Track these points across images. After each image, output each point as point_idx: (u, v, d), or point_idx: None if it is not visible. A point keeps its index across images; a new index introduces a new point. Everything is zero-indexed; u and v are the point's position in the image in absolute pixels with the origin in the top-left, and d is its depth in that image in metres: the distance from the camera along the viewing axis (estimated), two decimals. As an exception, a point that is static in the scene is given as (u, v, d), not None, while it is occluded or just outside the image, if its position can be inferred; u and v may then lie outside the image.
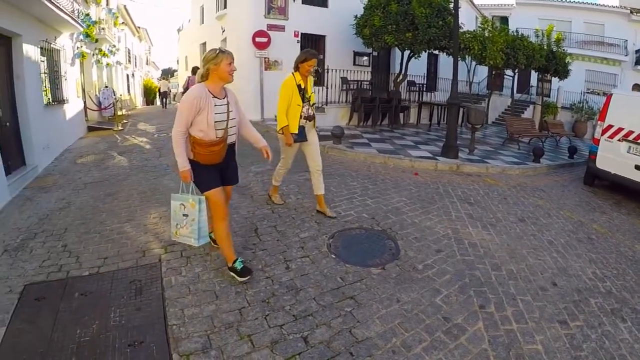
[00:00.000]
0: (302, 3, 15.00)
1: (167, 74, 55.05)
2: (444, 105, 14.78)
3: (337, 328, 3.34)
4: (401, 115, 14.77)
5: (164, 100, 29.26)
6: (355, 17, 14.21)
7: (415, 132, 12.43)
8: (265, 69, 14.29)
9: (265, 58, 14.16)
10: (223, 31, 16.58)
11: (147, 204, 6.19)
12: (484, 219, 5.93)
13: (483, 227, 5.65)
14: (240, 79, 14.51)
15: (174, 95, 34.82)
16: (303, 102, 5.39)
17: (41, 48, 9.66)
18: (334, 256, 4.57)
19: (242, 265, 4.00)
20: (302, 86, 5.45)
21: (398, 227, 5.37)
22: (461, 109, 12.34)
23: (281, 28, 14.56)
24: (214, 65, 3.98)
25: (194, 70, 14.26)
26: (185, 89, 14.06)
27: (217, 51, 3.96)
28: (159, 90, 32.04)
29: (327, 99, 13.05)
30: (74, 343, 3.17)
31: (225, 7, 16.24)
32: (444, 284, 4.13)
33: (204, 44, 21.00)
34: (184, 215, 4.02)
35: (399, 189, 6.72)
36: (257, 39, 13.79)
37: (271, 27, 14.27)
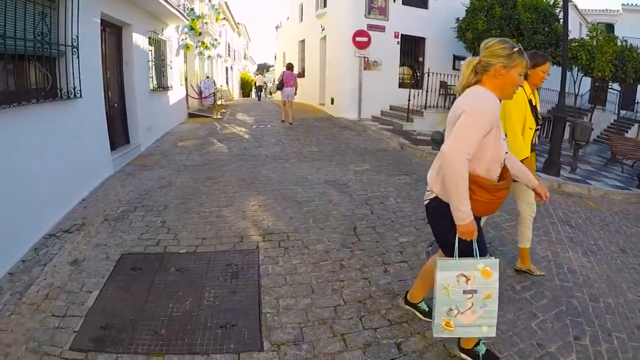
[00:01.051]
0: (402, 4, 14.42)
1: (263, 69, 56.58)
2: (547, 118, 13.60)
3: (431, 339, 3.03)
4: None
5: (259, 93, 31.43)
6: (457, 19, 13.41)
7: None
8: (365, 69, 13.95)
9: (364, 58, 13.83)
10: (322, 29, 16.47)
11: (246, 191, 6.14)
12: (584, 245, 5.22)
13: (583, 253, 4.97)
14: (338, 78, 14.37)
15: (270, 90, 35.91)
16: (537, 123, 3.95)
17: (149, 38, 10.17)
18: (431, 264, 4.21)
19: (485, 350, 2.78)
20: (533, 102, 3.92)
21: (498, 243, 4.87)
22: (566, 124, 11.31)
23: (381, 28, 14.15)
24: (502, 66, 2.37)
25: (289, 66, 14.45)
26: (280, 83, 14.02)
27: (514, 49, 2.38)
28: (255, 83, 34.36)
29: (426, 102, 12.43)
30: (166, 316, 3.19)
31: (325, 5, 16.10)
32: (540, 308, 3.68)
33: (303, 41, 21.13)
34: (466, 292, 2.45)
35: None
36: (358, 39, 13.47)
37: (371, 27, 13.89)
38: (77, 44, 5.82)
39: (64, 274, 3.92)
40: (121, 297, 3.48)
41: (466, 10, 13.07)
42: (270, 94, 29.62)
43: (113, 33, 8.28)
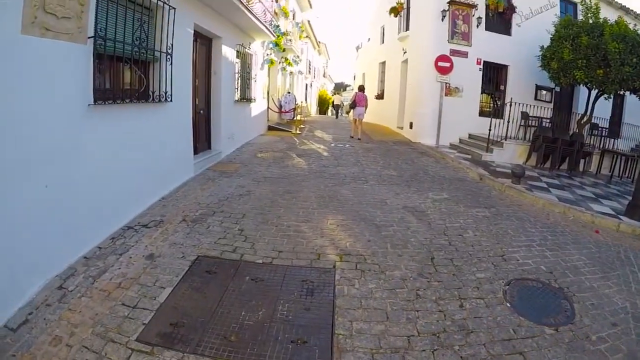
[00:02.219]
0: (486, 29, 13.75)
1: (340, 87, 57.23)
2: (630, 157, 12.40)
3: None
4: (582, 161, 12.70)
5: (337, 111, 31.71)
6: (541, 47, 12.59)
7: (595, 182, 10.38)
8: (446, 95, 13.48)
9: (446, 83, 13.43)
10: (404, 52, 16.17)
11: (325, 209, 6.01)
12: (668, 299, 4.56)
13: (667, 308, 4.34)
14: (418, 102, 14.04)
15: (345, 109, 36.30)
16: None
17: (237, 51, 10.51)
18: (508, 305, 3.90)
19: None
20: None
21: (576, 289, 4.34)
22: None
23: (464, 54, 13.61)
24: None
25: (361, 88, 16.00)
26: (353, 102, 14.99)
27: None
28: (333, 102, 35.03)
29: (506, 133, 11.75)
30: (237, 323, 3.16)
31: (407, 29, 15.81)
32: (615, 363, 3.22)
33: (383, 63, 20.88)
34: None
35: (578, 246, 5.56)
36: (440, 64, 13.04)
37: (454, 52, 13.41)
38: (171, 51, 6.09)
39: (139, 266, 4.03)
40: (194, 297, 3.49)
41: (551, 38, 12.15)
42: (347, 112, 29.86)
43: (204, 44, 8.64)
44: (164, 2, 5.84)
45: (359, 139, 14.18)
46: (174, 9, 6.08)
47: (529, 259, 4.84)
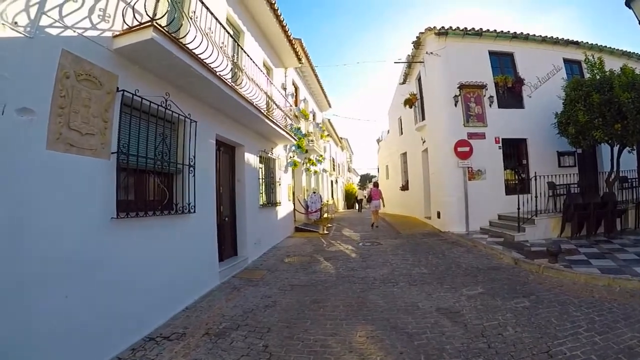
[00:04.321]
0: (499, 107, 13.92)
1: (366, 179, 58.29)
2: None
3: None
4: (618, 220, 12.04)
5: (360, 205, 33.40)
6: (555, 114, 12.56)
7: (636, 240, 9.83)
8: (469, 179, 13.37)
9: (468, 168, 13.36)
10: (423, 142, 16.43)
11: (353, 319, 5.59)
12: None
13: None
14: (442, 190, 13.89)
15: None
16: None
17: (260, 157, 10.75)
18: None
19: None
20: None
21: None
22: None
23: (481, 135, 13.66)
24: None
25: (375, 184, 19.02)
26: (369, 196, 17.85)
27: None
28: (357, 197, 36.26)
29: (536, 208, 11.31)
30: None
31: (423, 118, 16.19)
32: None
33: (404, 154, 21.24)
34: None
35: (629, 321, 4.99)
36: (459, 149, 13.12)
37: (472, 135, 13.51)
38: (194, 163, 6.21)
39: None
40: None
41: (563, 103, 11.98)
42: (366, 205, 30.41)
43: (227, 152, 8.87)
44: (185, 117, 6.04)
45: (376, 226, 16.55)
46: (195, 122, 6.31)
47: (577, 349, 4.25)
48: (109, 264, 4.38)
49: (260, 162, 10.84)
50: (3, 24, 3.23)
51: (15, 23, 3.34)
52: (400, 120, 21.80)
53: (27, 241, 3.39)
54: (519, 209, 10.84)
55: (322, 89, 21.56)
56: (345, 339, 4.83)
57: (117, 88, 4.61)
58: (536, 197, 11.05)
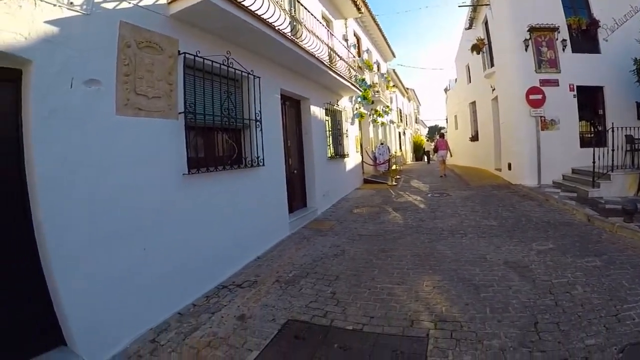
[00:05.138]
0: (572, 52, 12.48)
1: (434, 131, 56.25)
2: None
3: None
4: None
5: (428, 157, 33.10)
6: (635, 60, 11.18)
7: None
8: (542, 129, 12.43)
9: (541, 117, 12.48)
10: (493, 90, 15.38)
11: (420, 268, 5.54)
12: None
13: None
14: (514, 141, 13.08)
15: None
16: None
17: (325, 109, 10.65)
18: (621, 379, 3.11)
19: None
20: None
21: None
22: None
23: (554, 82, 12.38)
24: None
25: (441, 134, 20.14)
26: (435, 147, 18.49)
27: None
28: (424, 148, 36.15)
29: (612, 163, 10.28)
30: None
31: (492, 65, 15.00)
32: None
33: (473, 103, 20.05)
34: None
35: None
36: (531, 97, 12.07)
37: (544, 82, 12.31)
38: (260, 118, 6.29)
39: (229, 326, 4.04)
40: None
41: None
42: (433, 155, 29.39)
43: (292, 105, 8.91)
44: (248, 73, 6.08)
45: (444, 175, 17.01)
46: (259, 77, 6.33)
47: (647, 315, 4.03)
48: (183, 217, 4.66)
49: (326, 114, 10.78)
50: (60, 5, 3.35)
51: (71, 3, 3.46)
52: (468, 67, 20.47)
53: (105, 200, 3.69)
54: (594, 163, 9.94)
55: (385, 39, 20.73)
56: (411, 287, 4.82)
57: (179, 51, 4.71)
58: (613, 150, 10.09)
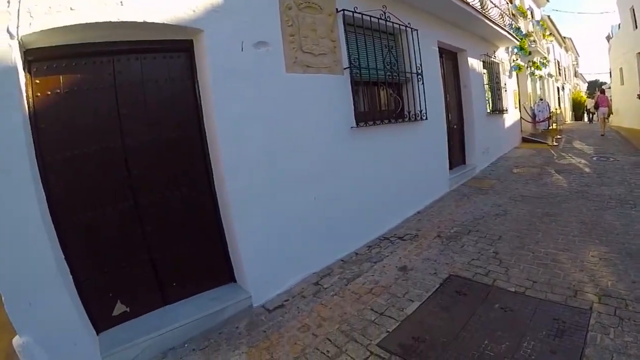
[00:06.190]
0: None
1: (594, 87, 48.66)
2: None
3: None
4: None
5: (591, 115, 28.31)
6: None
7: None
8: None
9: None
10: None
11: (586, 237, 4.92)
12: None
13: None
14: None
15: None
16: None
17: (483, 62, 9.89)
18: None
19: None
20: None
21: None
22: None
23: None
24: None
25: (602, 90, 17.93)
26: (595, 104, 16.77)
27: None
28: (586, 106, 31.33)
29: None
30: (477, 351, 2.87)
31: None
32: None
33: (640, 53, 16.29)
34: None
35: None
36: None
37: None
38: (421, 71, 6.10)
39: (391, 276, 4.15)
40: (440, 316, 3.36)
41: None
42: (592, 113, 25.26)
43: (449, 58, 8.44)
44: (406, 26, 5.90)
45: (603, 134, 15.32)
46: (416, 30, 6.11)
47: None
48: (349, 169, 4.85)
49: (484, 67, 10.02)
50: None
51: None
52: (633, 10, 16.76)
53: (279, 152, 4.02)
54: None
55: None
56: (576, 256, 4.31)
57: (337, 9, 4.80)
58: None
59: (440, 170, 7.19)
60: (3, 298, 2.56)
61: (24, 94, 2.73)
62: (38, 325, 2.63)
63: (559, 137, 15.49)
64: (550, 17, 24.29)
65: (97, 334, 3.19)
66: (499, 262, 4.32)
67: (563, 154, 11.58)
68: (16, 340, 2.63)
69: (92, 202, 3.24)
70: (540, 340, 2.96)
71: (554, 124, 17.21)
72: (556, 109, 20.62)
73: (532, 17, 18.54)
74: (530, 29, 16.13)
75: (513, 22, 13.16)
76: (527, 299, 3.55)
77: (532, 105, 16.48)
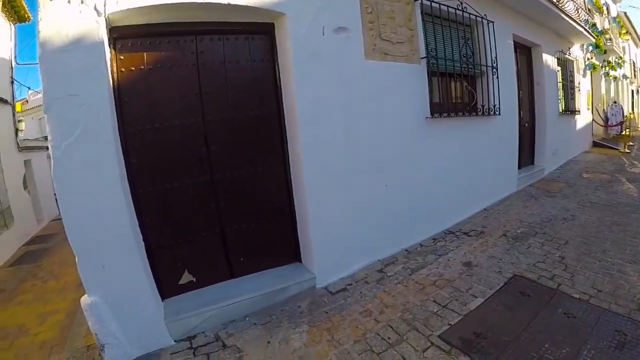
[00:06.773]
0: None
1: None
2: None
3: None
4: None
5: None
6: None
7: None
8: None
9: None
10: None
11: None
12: None
13: None
14: None
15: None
16: None
17: (557, 58, 9.39)
18: None
19: None
20: None
21: None
22: None
23: None
24: None
25: None
26: None
27: None
28: None
29: None
30: (537, 353, 2.84)
31: None
32: None
33: None
34: None
35: None
36: None
37: None
38: (497, 65, 5.90)
39: (455, 270, 4.13)
40: (503, 314, 3.34)
41: None
42: None
43: (523, 53, 8.07)
44: (482, 17, 5.72)
45: None
46: (492, 22, 5.91)
47: None
48: (420, 160, 4.84)
49: (558, 64, 9.48)
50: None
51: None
52: None
53: (354, 138, 4.05)
54: None
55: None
56: None
57: (415, -2, 4.72)
58: None
59: (509, 168, 6.96)
60: (77, 259, 2.71)
61: (109, 69, 2.86)
62: (108, 287, 2.78)
63: (631, 144, 14.55)
64: (627, 13, 22.70)
65: (162, 300, 3.34)
66: (564, 267, 4.17)
67: (635, 162, 10.89)
68: (84, 299, 2.79)
69: (170, 175, 3.40)
70: (600, 350, 2.87)
71: (627, 130, 16.21)
72: (630, 114, 19.43)
73: (608, 12, 17.42)
74: (606, 25, 15.15)
75: (589, 17, 12.44)
76: (591, 307, 3.42)
77: (605, 108, 15.52)
